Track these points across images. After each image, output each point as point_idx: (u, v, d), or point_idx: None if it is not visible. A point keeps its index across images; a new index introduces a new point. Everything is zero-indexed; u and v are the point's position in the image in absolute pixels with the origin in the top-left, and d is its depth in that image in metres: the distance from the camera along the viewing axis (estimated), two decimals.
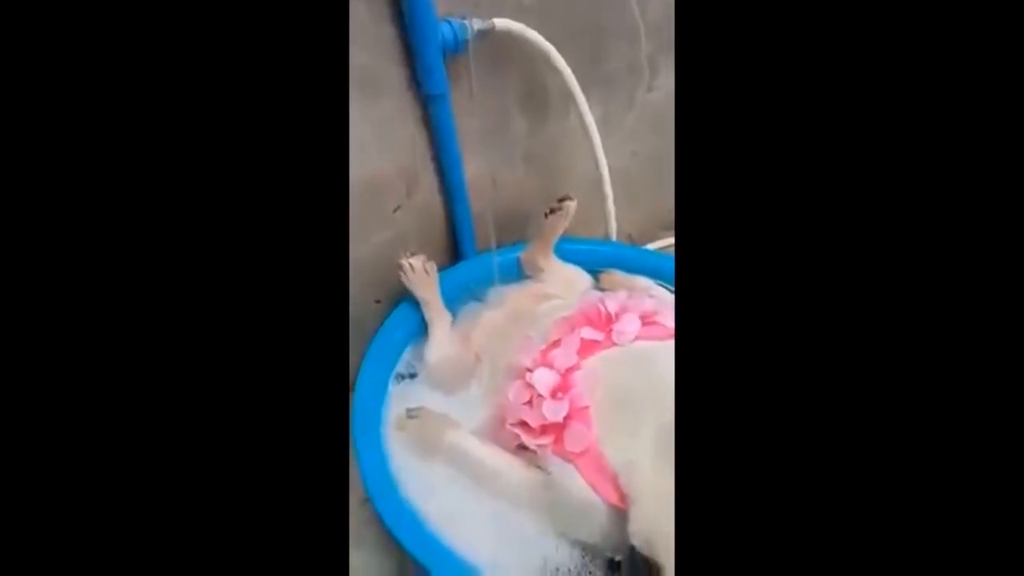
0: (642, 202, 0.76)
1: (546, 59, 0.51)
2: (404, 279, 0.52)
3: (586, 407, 0.39)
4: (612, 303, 0.44)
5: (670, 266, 0.62)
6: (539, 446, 0.39)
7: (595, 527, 0.37)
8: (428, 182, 0.56)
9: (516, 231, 0.63)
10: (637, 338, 0.42)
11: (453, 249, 0.62)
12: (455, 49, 0.45)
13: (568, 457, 0.38)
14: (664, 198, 0.81)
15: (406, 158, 0.53)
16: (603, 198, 0.63)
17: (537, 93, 0.57)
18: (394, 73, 0.47)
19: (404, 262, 0.52)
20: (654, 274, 0.59)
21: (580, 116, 0.56)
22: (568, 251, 0.60)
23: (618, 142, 0.66)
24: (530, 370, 0.41)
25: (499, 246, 0.61)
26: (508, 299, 0.55)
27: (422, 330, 0.54)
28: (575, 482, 0.37)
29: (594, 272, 0.60)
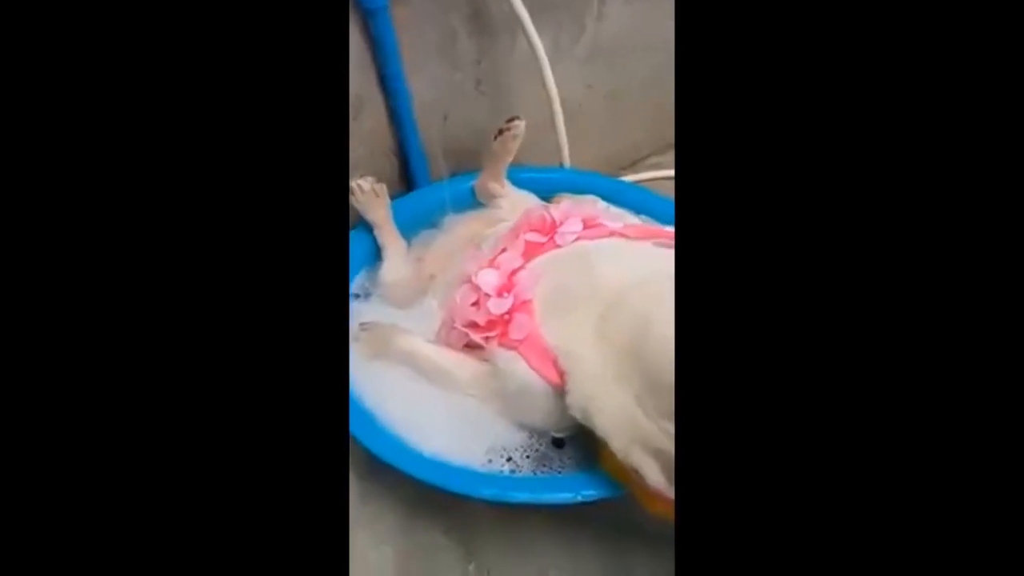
0: (598, 140, 0.80)
1: None
2: (354, 202, 0.55)
3: (528, 300, 0.43)
4: (556, 211, 0.49)
5: (625, 192, 0.67)
6: (486, 339, 0.43)
7: (539, 407, 0.41)
8: (375, 108, 0.59)
9: (471, 161, 0.66)
10: (579, 238, 0.46)
11: (406, 179, 0.65)
12: None
13: (512, 345, 0.42)
14: (621, 136, 0.85)
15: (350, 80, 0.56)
16: (555, 129, 0.66)
17: (483, 14, 0.60)
18: None
19: (353, 184, 0.55)
20: (609, 200, 0.63)
21: (528, 40, 0.59)
22: (523, 179, 0.64)
23: (570, 72, 0.70)
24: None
25: (454, 175, 0.65)
26: (462, 225, 0.59)
27: (375, 255, 0.57)
28: (519, 366, 0.41)
29: (548, 200, 0.64)
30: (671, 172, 0.86)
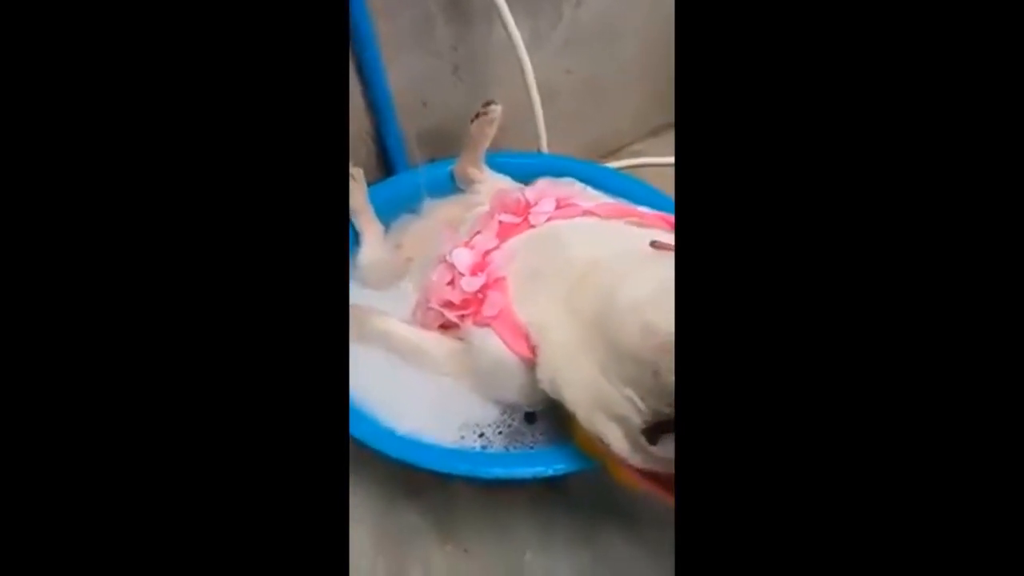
0: (579, 127, 0.81)
1: None
2: None
3: (502, 277, 0.44)
4: (530, 192, 0.50)
5: (605, 177, 0.68)
6: (460, 317, 0.44)
7: (512, 382, 0.42)
8: (353, 94, 0.60)
9: (450, 146, 0.67)
10: (551, 218, 0.47)
11: (384, 165, 0.66)
12: None
13: (485, 322, 0.43)
14: (602, 123, 0.86)
15: None
16: (534, 116, 0.67)
17: (460, 0, 0.61)
18: None
19: None
20: (589, 185, 0.64)
21: (504, 26, 0.60)
22: (501, 164, 0.65)
23: (549, 58, 0.71)
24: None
25: (433, 161, 0.66)
26: (440, 209, 0.60)
27: (352, 240, 0.58)
28: (492, 342, 0.42)
29: (527, 185, 0.65)
30: (653, 159, 0.87)
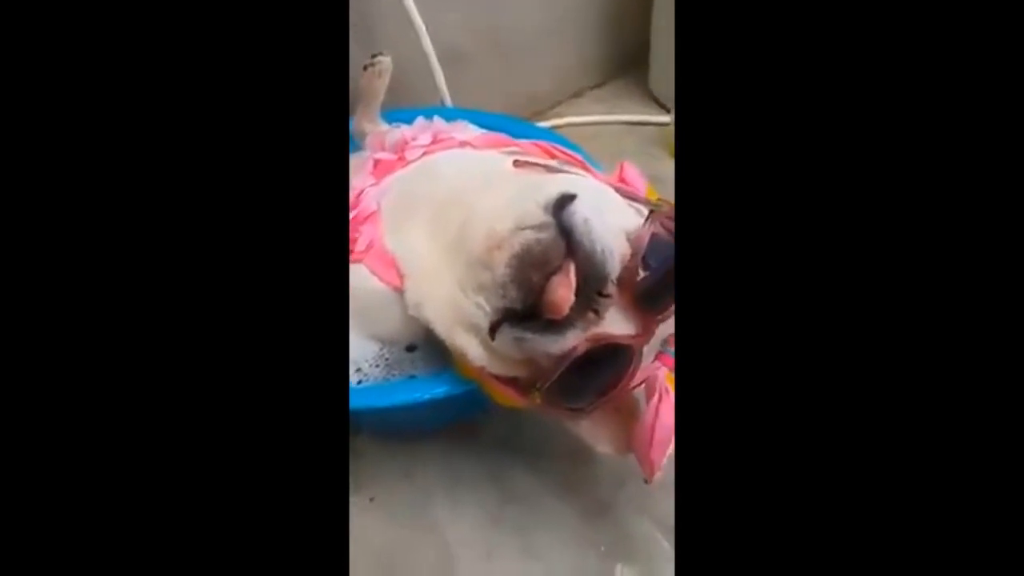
0: (492, 89, 0.80)
1: None
2: None
3: (374, 211, 0.44)
4: (408, 130, 0.49)
5: (510, 128, 0.68)
6: None
7: (387, 314, 0.42)
8: None
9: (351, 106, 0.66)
10: (427, 152, 0.47)
11: None
12: None
13: (357, 258, 0.43)
14: (518, 86, 0.86)
15: None
16: (432, 74, 0.67)
17: None
18: None
19: None
20: None
21: None
22: (401, 119, 0.64)
23: (452, 17, 0.71)
24: None
25: None
26: None
27: None
28: (363, 277, 0.42)
29: None
30: (575, 119, 0.88)
